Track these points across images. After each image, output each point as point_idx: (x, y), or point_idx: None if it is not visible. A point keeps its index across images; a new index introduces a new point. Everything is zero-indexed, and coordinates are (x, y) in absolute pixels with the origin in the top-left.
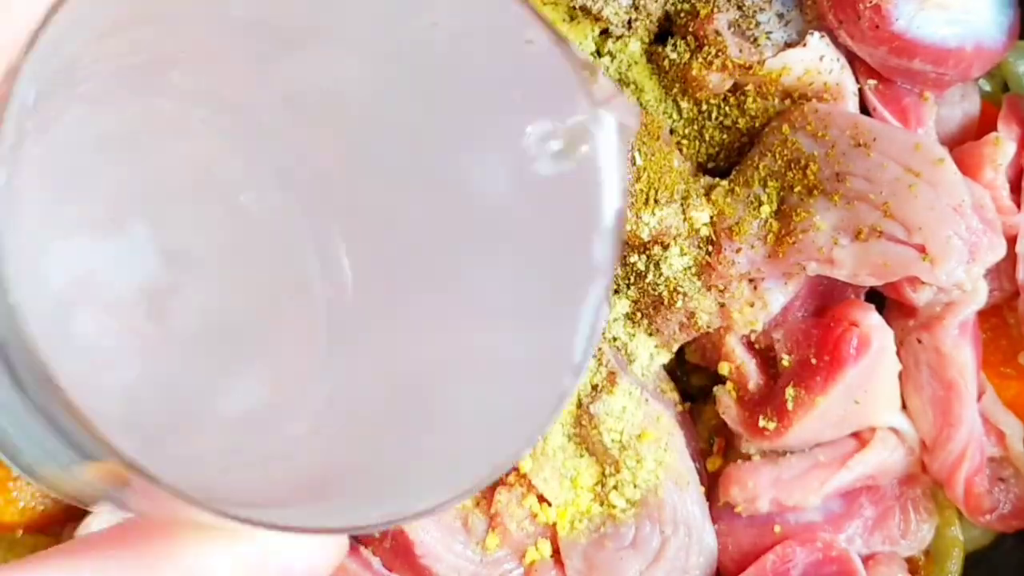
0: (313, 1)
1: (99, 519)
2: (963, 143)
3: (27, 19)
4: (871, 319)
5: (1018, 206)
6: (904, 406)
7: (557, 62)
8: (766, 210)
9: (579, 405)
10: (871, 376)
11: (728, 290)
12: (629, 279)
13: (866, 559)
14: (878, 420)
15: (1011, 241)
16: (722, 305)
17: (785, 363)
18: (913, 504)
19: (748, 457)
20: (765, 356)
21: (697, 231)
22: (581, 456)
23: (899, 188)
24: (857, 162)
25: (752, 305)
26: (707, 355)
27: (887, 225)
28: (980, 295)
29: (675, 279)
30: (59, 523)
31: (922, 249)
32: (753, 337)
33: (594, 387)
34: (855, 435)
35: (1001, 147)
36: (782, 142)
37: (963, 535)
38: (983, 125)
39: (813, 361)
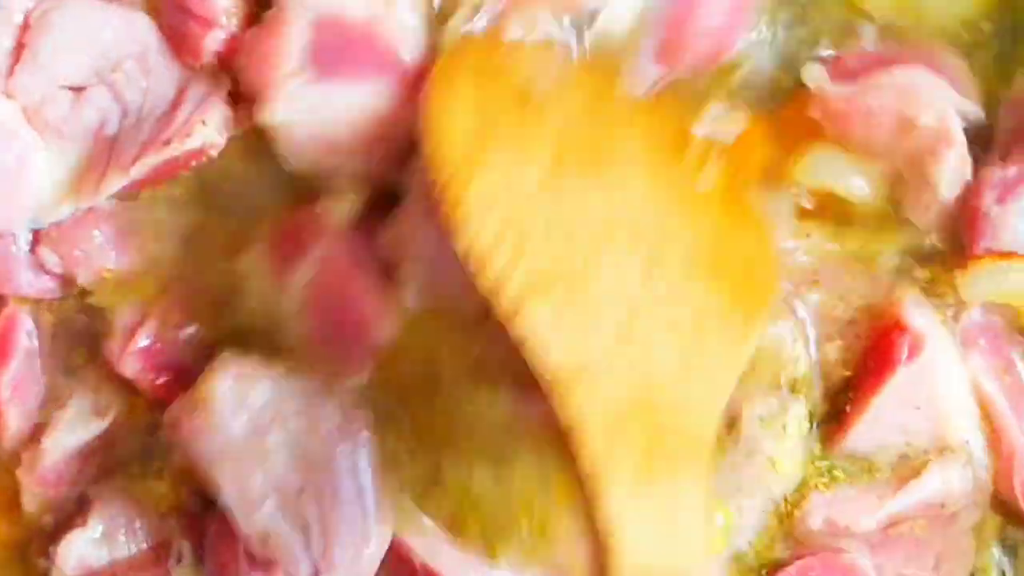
0: None
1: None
2: None
3: None
4: (920, 320)
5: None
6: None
7: None
8: None
9: None
10: (928, 381)
11: None
12: None
13: None
14: (949, 433)
15: None
16: None
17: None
18: (954, 539)
19: None
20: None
21: None
22: None
23: None
24: None
25: None
26: None
27: None
28: None
29: None
30: None
31: None
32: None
33: None
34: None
35: None
36: None
37: None
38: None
39: (868, 365)
